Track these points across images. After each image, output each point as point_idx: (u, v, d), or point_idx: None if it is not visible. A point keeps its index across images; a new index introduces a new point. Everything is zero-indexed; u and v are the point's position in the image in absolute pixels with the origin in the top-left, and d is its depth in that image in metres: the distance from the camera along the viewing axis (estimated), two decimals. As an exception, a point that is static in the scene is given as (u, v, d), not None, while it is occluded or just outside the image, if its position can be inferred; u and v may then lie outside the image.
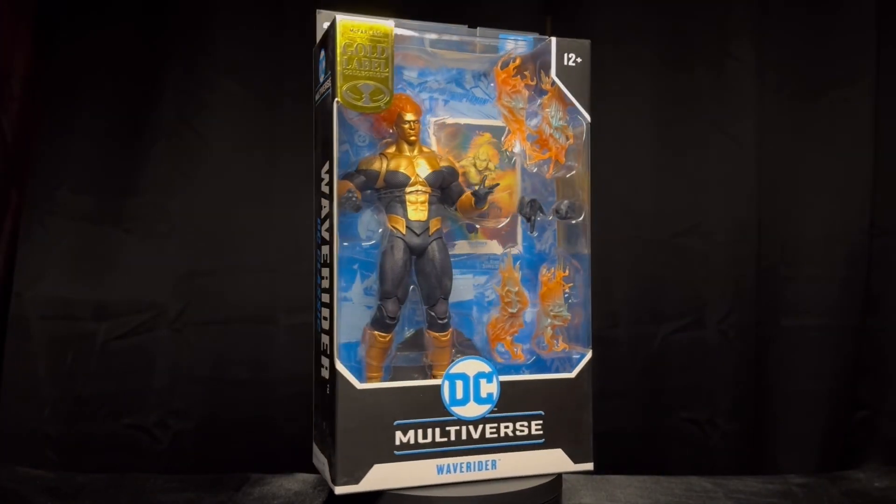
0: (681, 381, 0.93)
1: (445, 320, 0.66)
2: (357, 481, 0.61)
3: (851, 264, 0.93)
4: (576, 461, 0.67)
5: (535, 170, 0.71)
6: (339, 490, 0.61)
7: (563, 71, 0.68)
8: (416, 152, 0.67)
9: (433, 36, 0.68)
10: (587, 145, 0.70)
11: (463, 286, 0.69)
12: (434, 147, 0.69)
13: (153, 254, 0.93)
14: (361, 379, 0.63)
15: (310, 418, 0.83)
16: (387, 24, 0.63)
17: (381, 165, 0.67)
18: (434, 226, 0.66)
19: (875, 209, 0.93)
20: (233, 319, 0.93)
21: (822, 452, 0.93)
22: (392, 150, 0.68)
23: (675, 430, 0.94)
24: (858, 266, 0.93)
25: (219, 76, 0.93)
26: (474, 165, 0.69)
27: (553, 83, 0.68)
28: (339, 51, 0.62)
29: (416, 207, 0.66)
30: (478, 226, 0.71)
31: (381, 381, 0.65)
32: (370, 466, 0.61)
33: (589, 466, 0.68)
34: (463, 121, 0.70)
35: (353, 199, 0.65)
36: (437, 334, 0.67)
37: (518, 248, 0.72)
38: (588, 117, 0.69)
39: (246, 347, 0.93)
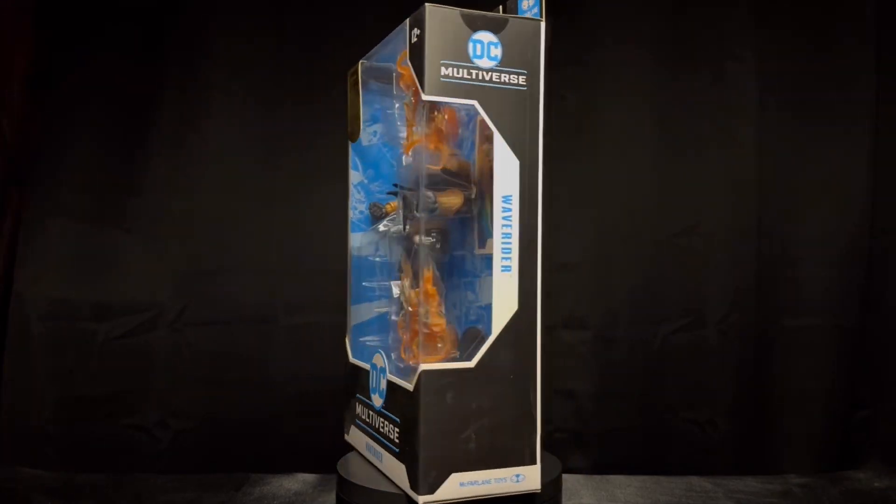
0: (681, 381, 0.93)
1: None
2: (347, 434, 0.71)
3: (851, 264, 0.93)
4: (411, 484, 0.56)
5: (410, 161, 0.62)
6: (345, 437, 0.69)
7: (412, 51, 0.58)
8: None
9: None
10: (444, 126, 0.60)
11: (489, 288, 0.66)
12: None
13: (153, 254, 0.93)
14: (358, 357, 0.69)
15: (310, 418, 0.84)
16: (358, 65, 0.68)
17: None
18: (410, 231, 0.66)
19: (875, 209, 0.93)
20: (233, 319, 0.93)
21: (822, 452, 0.93)
22: None
23: (675, 430, 0.94)
24: (858, 266, 0.93)
25: (219, 77, 0.93)
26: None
27: (405, 64, 0.59)
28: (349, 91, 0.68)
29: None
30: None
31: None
32: (350, 425, 0.70)
33: (417, 498, 0.54)
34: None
35: (373, 210, 0.70)
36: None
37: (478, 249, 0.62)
38: (424, 95, 0.56)
39: (246, 347, 0.93)
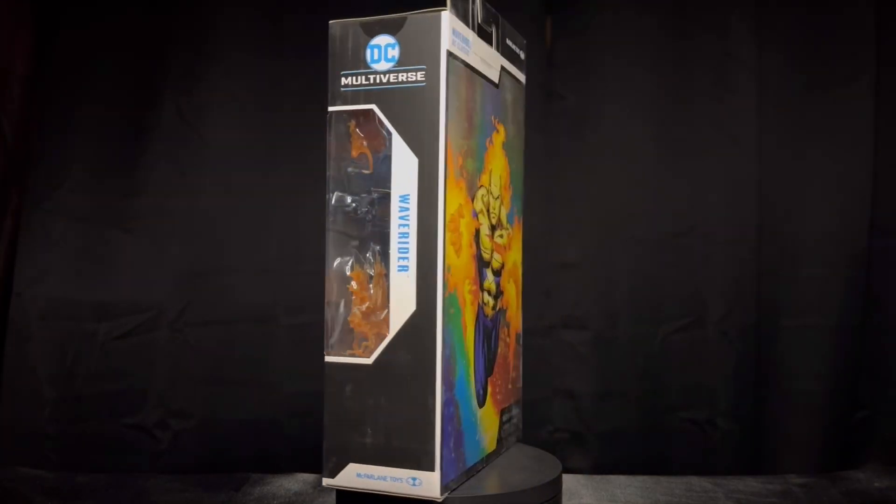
0: (681, 381, 0.93)
1: None
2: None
3: (851, 264, 0.93)
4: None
5: None
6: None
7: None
8: None
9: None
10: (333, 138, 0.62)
11: None
12: None
13: (153, 254, 0.93)
14: None
15: (310, 418, 0.83)
16: None
17: None
18: None
19: (875, 209, 0.93)
20: (233, 319, 0.93)
21: (822, 452, 0.93)
22: None
23: (675, 430, 0.94)
24: (858, 266, 0.93)
25: (219, 76, 0.93)
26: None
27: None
28: None
29: None
30: None
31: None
32: None
33: (323, 481, 0.59)
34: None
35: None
36: None
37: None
38: (329, 108, 0.60)
39: (246, 347, 0.93)
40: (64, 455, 0.91)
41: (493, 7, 0.66)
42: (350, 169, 0.59)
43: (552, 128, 0.94)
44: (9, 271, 0.93)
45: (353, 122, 0.59)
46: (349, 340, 0.59)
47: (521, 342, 0.72)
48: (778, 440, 0.93)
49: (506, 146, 0.66)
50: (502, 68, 0.66)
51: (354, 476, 0.58)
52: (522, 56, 0.73)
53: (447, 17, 0.55)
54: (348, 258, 0.60)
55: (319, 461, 0.93)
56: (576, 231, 0.94)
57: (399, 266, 0.57)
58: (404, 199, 0.56)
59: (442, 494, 0.55)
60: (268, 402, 0.92)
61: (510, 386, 0.69)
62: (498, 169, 0.65)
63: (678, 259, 0.94)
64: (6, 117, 0.93)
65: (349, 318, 0.59)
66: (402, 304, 0.57)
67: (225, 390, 0.93)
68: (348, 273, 0.60)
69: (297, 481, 0.87)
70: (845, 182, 0.93)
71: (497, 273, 0.65)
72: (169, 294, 0.93)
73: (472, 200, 0.60)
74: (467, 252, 0.59)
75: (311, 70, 0.93)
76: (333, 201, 0.61)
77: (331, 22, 0.59)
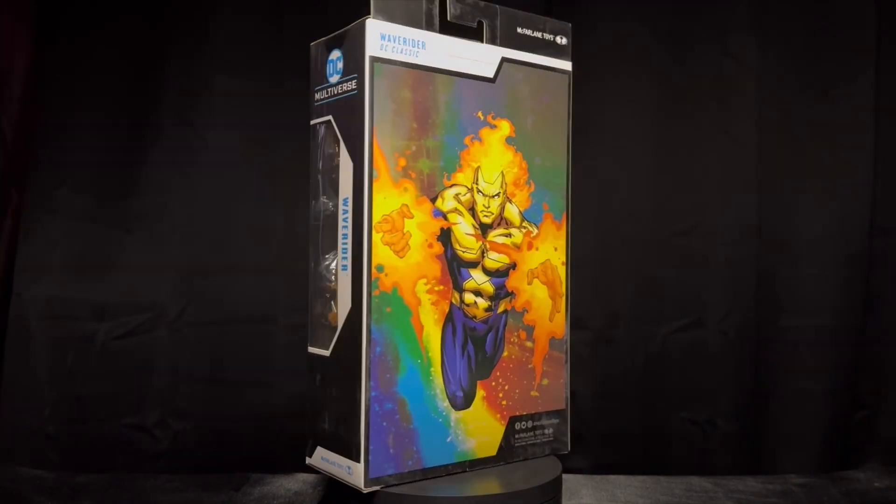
0: (681, 381, 0.94)
1: None
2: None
3: (851, 264, 0.93)
4: None
5: None
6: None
7: None
8: None
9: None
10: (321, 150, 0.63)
11: None
12: None
13: (153, 254, 0.93)
14: None
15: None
16: None
17: None
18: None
19: (875, 209, 0.93)
20: (233, 319, 0.93)
21: (822, 452, 0.93)
22: None
23: (675, 430, 0.94)
24: (858, 266, 0.93)
25: (218, 76, 0.93)
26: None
27: None
28: None
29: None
30: None
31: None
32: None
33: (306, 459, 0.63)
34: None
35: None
36: None
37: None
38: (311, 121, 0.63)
39: (246, 347, 0.93)
40: (64, 455, 0.91)
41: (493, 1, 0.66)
42: (332, 176, 0.61)
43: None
44: (9, 271, 0.93)
45: (328, 133, 0.61)
46: (326, 335, 0.60)
47: (563, 349, 0.70)
48: (778, 440, 0.93)
49: (514, 141, 0.66)
50: (505, 60, 0.65)
51: (320, 458, 0.61)
52: (562, 41, 0.71)
53: (372, 24, 0.57)
54: (330, 258, 0.61)
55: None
56: (576, 231, 0.94)
57: (342, 266, 0.59)
58: (345, 202, 0.58)
59: (368, 487, 0.56)
60: (268, 402, 0.92)
61: (534, 393, 0.67)
62: (495, 166, 0.64)
63: (678, 259, 0.94)
64: (6, 117, 0.93)
65: (328, 314, 0.61)
66: (344, 301, 0.58)
67: (225, 390, 0.93)
68: (332, 270, 0.61)
69: (297, 481, 0.87)
70: (845, 182, 0.93)
71: (497, 273, 0.65)
72: (169, 294, 0.93)
73: (435, 200, 0.60)
74: (421, 252, 0.59)
75: (310, 68, 0.94)
76: (314, 206, 0.63)
77: (312, 44, 0.62)
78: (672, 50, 0.94)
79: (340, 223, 0.58)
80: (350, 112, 0.58)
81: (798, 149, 0.93)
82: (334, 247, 0.60)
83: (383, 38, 0.57)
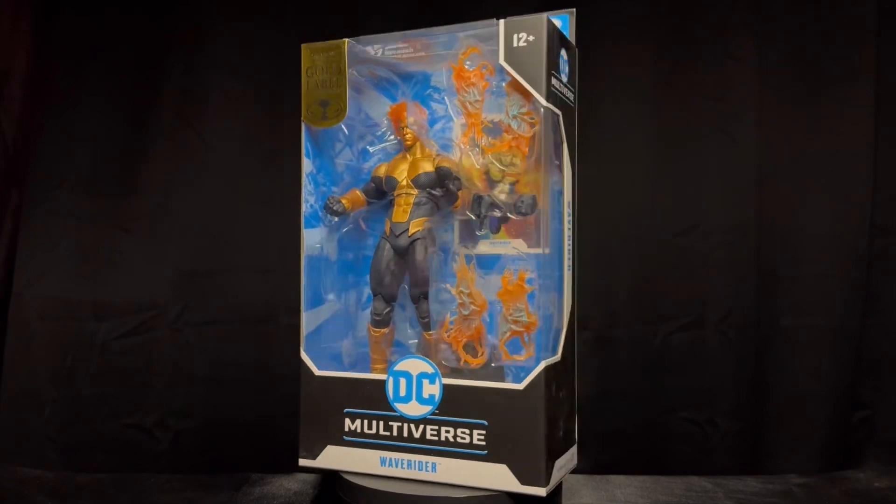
0: (681, 381, 0.93)
1: (426, 319, 0.67)
2: (314, 458, 0.68)
3: (851, 264, 0.93)
4: (523, 482, 0.59)
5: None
6: (301, 462, 0.69)
7: (512, 54, 0.61)
8: (415, 156, 0.68)
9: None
10: (544, 133, 0.62)
11: (486, 288, 0.67)
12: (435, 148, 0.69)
13: (153, 254, 0.93)
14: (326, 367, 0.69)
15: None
16: (341, 42, 0.67)
17: (382, 171, 0.69)
18: (414, 227, 0.66)
19: (875, 209, 0.93)
20: (233, 319, 0.93)
21: (822, 452, 0.93)
22: (399, 155, 0.70)
23: (675, 430, 0.94)
24: (858, 266, 0.93)
25: (219, 76, 0.93)
26: (499, 161, 0.65)
27: (500, 68, 0.62)
28: (302, 74, 0.68)
29: (400, 209, 0.67)
30: (500, 224, 0.68)
31: (383, 372, 0.66)
32: (324, 446, 0.67)
33: (540, 492, 0.59)
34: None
35: (333, 204, 0.70)
36: (424, 333, 0.68)
37: (545, 249, 0.65)
38: (544, 101, 0.60)
39: (246, 347, 0.93)
40: (64, 455, 0.91)
41: (490, 4, 0.67)
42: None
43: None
44: (9, 271, 0.93)
45: (554, 123, 0.64)
46: (520, 344, 0.66)
47: None
48: (778, 440, 0.93)
49: None
50: None
51: (556, 472, 0.62)
52: None
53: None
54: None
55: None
56: (576, 231, 0.94)
57: (568, 266, 0.69)
58: (570, 205, 0.69)
59: None
60: (268, 402, 0.92)
61: None
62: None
63: (678, 259, 0.94)
64: (6, 117, 0.93)
65: (524, 321, 0.66)
66: (567, 298, 0.67)
67: (225, 390, 0.93)
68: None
69: (297, 481, 0.87)
70: (845, 182, 0.93)
71: None
72: (169, 294, 0.93)
73: None
74: None
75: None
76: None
77: (544, 15, 0.61)
78: (672, 49, 0.94)
79: (567, 224, 0.66)
80: (573, 121, 0.66)
81: (798, 149, 0.93)
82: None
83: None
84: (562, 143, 0.63)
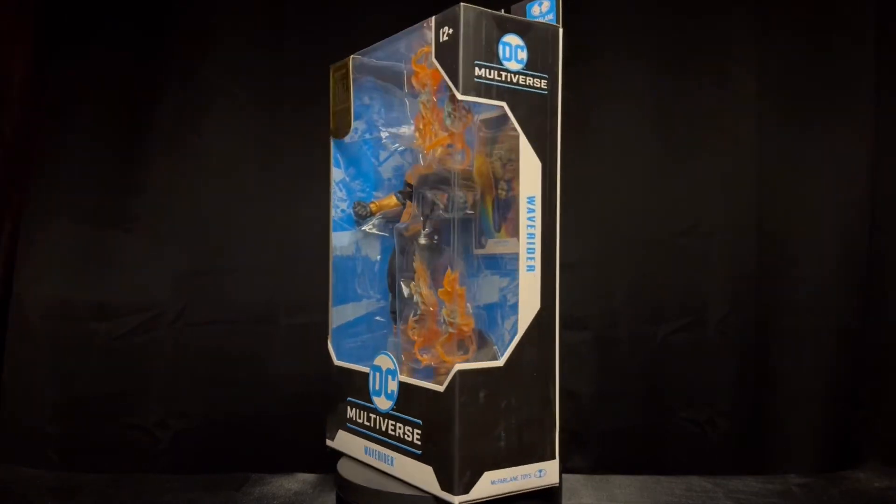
0: (681, 381, 0.93)
1: (394, 314, 0.68)
2: (332, 440, 0.72)
3: (851, 264, 0.93)
4: (442, 486, 0.56)
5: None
6: (326, 443, 0.73)
7: (440, 49, 0.58)
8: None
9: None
10: (475, 129, 0.61)
11: (488, 287, 0.65)
12: None
13: (153, 254, 0.93)
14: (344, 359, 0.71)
15: (310, 418, 0.83)
16: (347, 60, 0.70)
17: (408, 175, 0.70)
18: (412, 230, 0.66)
19: (875, 209, 0.93)
20: (233, 319, 0.93)
21: (822, 452, 0.93)
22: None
23: (675, 430, 0.94)
24: (858, 266, 0.93)
25: (219, 77, 0.93)
26: (500, 158, 0.64)
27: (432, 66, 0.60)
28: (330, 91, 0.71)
29: (406, 211, 0.68)
30: (501, 223, 0.65)
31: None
32: (337, 430, 0.71)
33: (452, 499, 0.55)
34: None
35: (358, 209, 0.71)
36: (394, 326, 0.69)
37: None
38: (459, 95, 0.56)
39: (246, 347, 0.93)
40: (64, 455, 0.91)
41: (491, 7, 0.66)
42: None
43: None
44: (9, 271, 0.93)
45: (469, 116, 0.61)
46: (459, 347, 0.61)
47: None
48: (778, 440, 0.93)
49: None
50: None
51: (489, 485, 0.58)
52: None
53: (561, 34, 0.61)
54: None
55: (319, 461, 0.94)
56: (576, 231, 0.94)
57: (528, 266, 0.60)
58: (531, 200, 0.60)
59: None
60: (268, 402, 0.92)
61: None
62: None
63: (678, 259, 0.94)
64: (6, 118, 0.93)
65: (457, 323, 0.62)
66: (529, 302, 0.59)
67: (225, 390, 0.93)
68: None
69: (297, 481, 0.87)
70: (845, 182, 0.93)
71: None
72: (169, 294, 0.93)
73: None
74: None
75: (311, 70, 0.94)
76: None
77: (462, 4, 0.57)
78: (672, 50, 0.94)
79: (525, 222, 0.59)
80: (540, 111, 0.59)
81: (798, 148, 0.93)
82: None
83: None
84: (517, 134, 0.59)
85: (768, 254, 0.93)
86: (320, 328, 0.94)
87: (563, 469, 0.67)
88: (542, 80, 0.59)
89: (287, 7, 0.94)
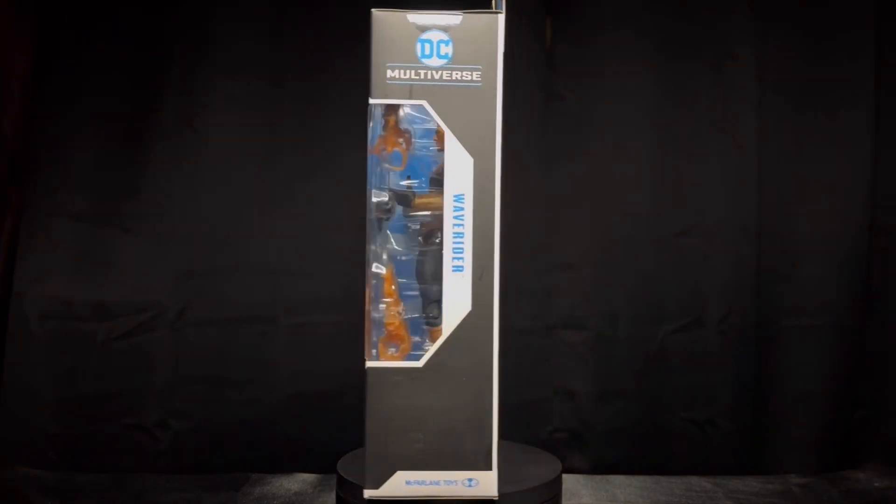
0: (681, 381, 0.93)
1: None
2: None
3: (851, 264, 0.93)
4: (363, 480, 0.59)
5: None
6: None
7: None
8: None
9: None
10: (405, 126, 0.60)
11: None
12: None
13: (153, 254, 0.93)
14: None
15: (310, 418, 0.83)
16: None
17: None
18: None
19: (875, 209, 0.93)
20: (233, 319, 0.93)
21: (822, 452, 0.93)
22: None
23: (675, 430, 0.94)
24: (858, 266, 0.93)
25: (219, 76, 0.93)
26: None
27: None
28: None
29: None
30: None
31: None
32: None
33: (364, 493, 0.57)
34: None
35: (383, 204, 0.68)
36: None
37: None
38: (371, 100, 0.58)
39: (246, 347, 0.93)
40: (64, 455, 0.91)
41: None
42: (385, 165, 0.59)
43: (552, 128, 0.94)
44: (9, 271, 0.93)
45: (406, 117, 0.59)
46: (387, 345, 0.59)
47: None
48: (778, 440, 0.93)
49: None
50: None
51: (403, 484, 0.57)
52: None
53: (502, 20, 0.58)
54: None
55: (320, 461, 0.94)
56: (576, 231, 0.94)
57: (454, 266, 0.57)
58: (459, 198, 0.57)
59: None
60: (268, 402, 0.92)
61: None
62: None
63: (678, 259, 0.94)
64: (6, 117, 0.93)
65: (386, 321, 0.59)
66: (456, 304, 0.57)
67: (225, 390, 0.93)
68: (381, 271, 0.60)
69: (297, 481, 0.87)
70: (845, 182, 0.93)
71: None
72: (169, 294, 0.93)
73: None
74: None
75: (311, 70, 0.94)
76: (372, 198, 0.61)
77: (373, 11, 0.59)
78: (672, 49, 0.94)
79: (451, 221, 0.57)
80: (470, 104, 0.57)
81: (798, 148, 0.93)
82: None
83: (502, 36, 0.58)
84: (441, 131, 0.58)
85: (768, 254, 0.93)
86: (320, 328, 0.94)
87: (563, 469, 0.67)
88: (475, 72, 0.58)
89: (287, 6, 0.93)
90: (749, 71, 0.93)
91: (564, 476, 0.71)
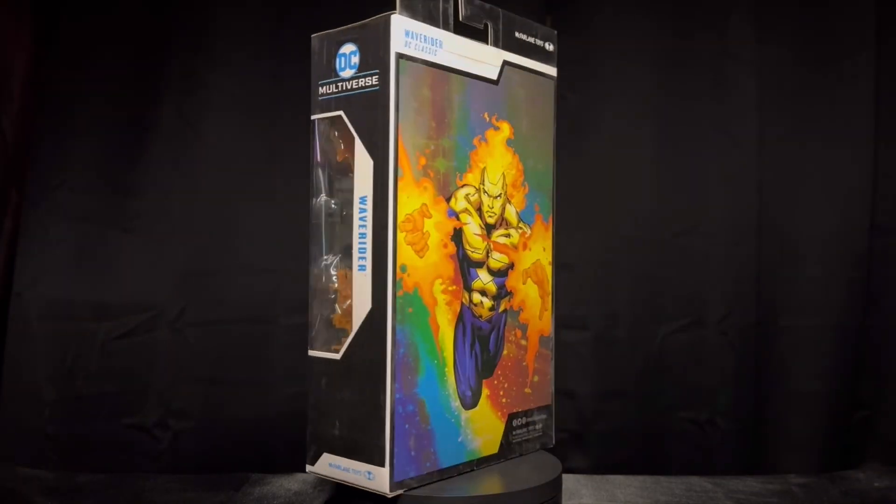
0: (681, 381, 0.94)
1: None
2: None
3: (851, 264, 0.93)
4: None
5: None
6: None
7: None
8: None
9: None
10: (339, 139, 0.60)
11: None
12: None
13: (153, 254, 0.93)
14: None
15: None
16: None
17: None
18: None
19: (875, 209, 0.93)
20: (233, 319, 0.93)
21: (822, 452, 0.93)
22: None
23: (675, 430, 0.94)
24: (858, 266, 0.93)
25: (219, 76, 0.93)
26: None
27: None
28: None
29: None
30: None
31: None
32: None
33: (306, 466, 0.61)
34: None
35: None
36: None
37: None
38: (311, 115, 0.61)
39: (246, 347, 0.93)
40: (64, 455, 0.91)
41: (492, 2, 0.66)
42: (339, 174, 0.60)
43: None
44: (9, 271, 0.93)
45: (335, 128, 0.60)
46: (332, 337, 0.60)
47: (550, 346, 0.71)
48: (778, 440, 0.93)
49: (513, 143, 0.66)
50: (506, 63, 0.65)
51: (328, 465, 0.59)
52: (550, 48, 0.71)
53: (397, 20, 0.56)
54: (329, 258, 0.60)
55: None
56: (576, 231, 0.94)
57: (359, 266, 0.58)
58: (363, 200, 0.57)
59: (393, 490, 0.56)
60: (268, 402, 0.92)
61: (527, 390, 0.67)
62: (497, 167, 0.64)
63: (678, 259, 0.94)
64: (6, 116, 0.93)
65: (333, 316, 0.60)
66: (362, 301, 0.57)
67: (225, 390, 0.93)
68: (333, 272, 0.59)
69: (297, 481, 0.87)
70: (845, 182, 0.93)
71: (499, 273, 0.65)
72: (169, 294, 0.93)
73: (449, 200, 0.60)
74: (438, 252, 0.59)
75: (310, 70, 0.94)
76: (314, 204, 0.61)
77: (313, 36, 0.61)
78: (672, 49, 0.94)
79: (357, 222, 0.58)
80: (370, 108, 0.57)
81: (798, 148, 0.93)
82: (341, 246, 0.59)
83: (407, 34, 0.57)
84: (353, 138, 0.58)
85: (768, 254, 0.94)
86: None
87: (563, 469, 0.67)
88: (373, 77, 0.57)
89: (287, 5, 0.93)
90: (749, 71, 0.93)
91: (564, 476, 0.71)
